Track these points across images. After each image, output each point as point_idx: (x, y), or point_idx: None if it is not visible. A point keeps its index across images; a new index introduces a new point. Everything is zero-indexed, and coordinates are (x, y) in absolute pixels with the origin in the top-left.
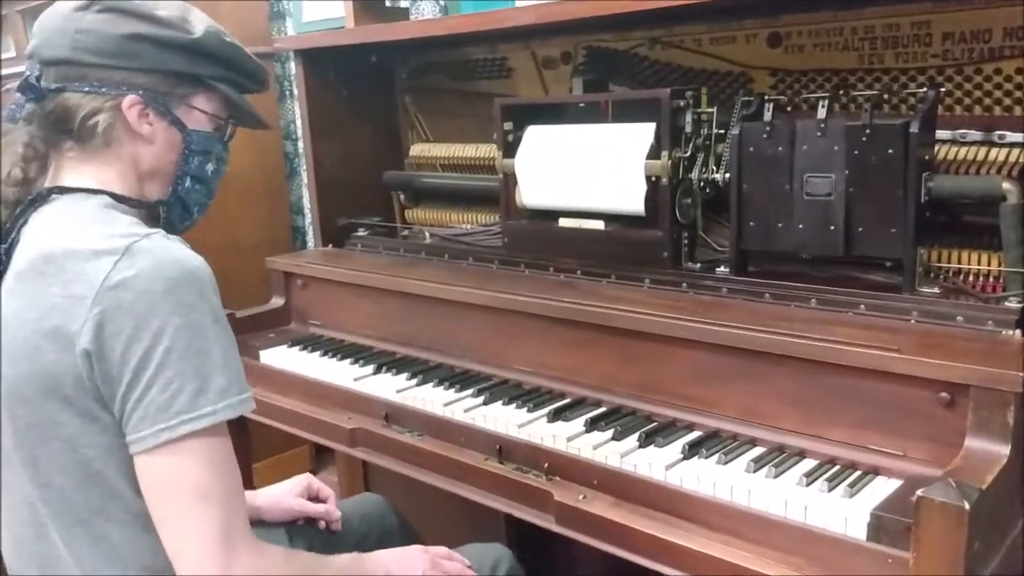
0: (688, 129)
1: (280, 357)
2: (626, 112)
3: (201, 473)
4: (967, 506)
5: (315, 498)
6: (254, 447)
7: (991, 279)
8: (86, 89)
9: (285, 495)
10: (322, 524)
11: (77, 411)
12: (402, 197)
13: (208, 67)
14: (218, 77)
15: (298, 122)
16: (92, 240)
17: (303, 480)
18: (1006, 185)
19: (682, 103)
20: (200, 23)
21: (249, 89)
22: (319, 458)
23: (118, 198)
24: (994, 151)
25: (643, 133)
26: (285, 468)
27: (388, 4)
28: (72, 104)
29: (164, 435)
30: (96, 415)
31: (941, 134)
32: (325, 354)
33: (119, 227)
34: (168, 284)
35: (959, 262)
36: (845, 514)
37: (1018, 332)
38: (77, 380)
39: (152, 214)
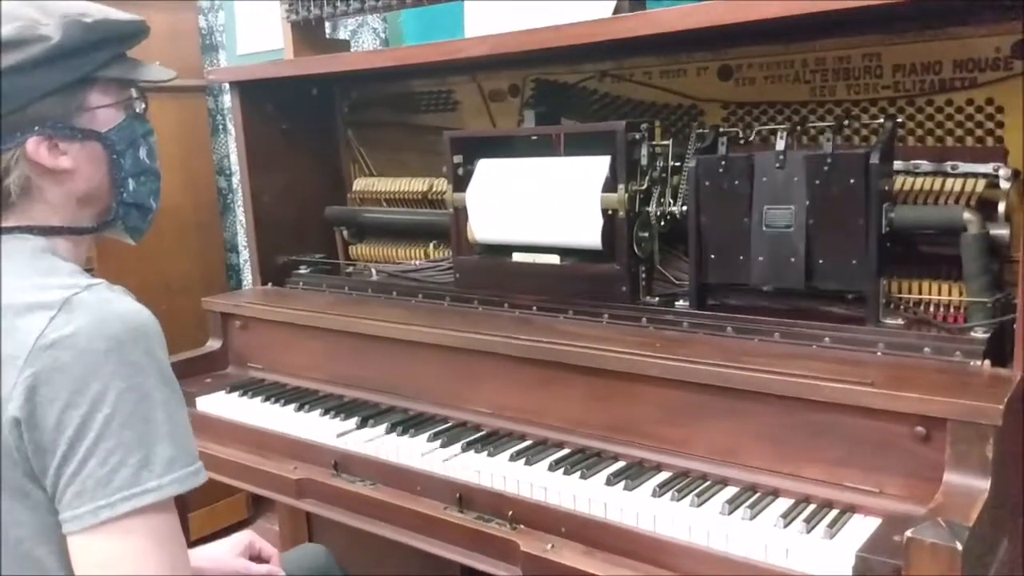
0: (644, 162)
1: (218, 404)
2: (579, 145)
3: (145, 555)
4: (959, 547)
5: (257, 557)
6: (189, 496)
7: (952, 309)
8: None
9: (227, 555)
10: None
11: (4, 487)
12: (345, 233)
13: (86, 62)
14: (100, 64)
15: (232, 156)
16: (25, 292)
17: (245, 538)
18: (967, 215)
19: (637, 136)
20: (51, 18)
21: (133, 47)
22: (256, 505)
23: (64, 230)
24: (948, 181)
25: (598, 166)
26: (221, 517)
27: (328, 35)
28: None
29: (104, 513)
30: (26, 491)
31: (896, 165)
32: (267, 399)
33: (57, 277)
34: (111, 343)
35: (920, 293)
36: (828, 557)
37: (987, 362)
38: (5, 452)
39: (107, 228)
